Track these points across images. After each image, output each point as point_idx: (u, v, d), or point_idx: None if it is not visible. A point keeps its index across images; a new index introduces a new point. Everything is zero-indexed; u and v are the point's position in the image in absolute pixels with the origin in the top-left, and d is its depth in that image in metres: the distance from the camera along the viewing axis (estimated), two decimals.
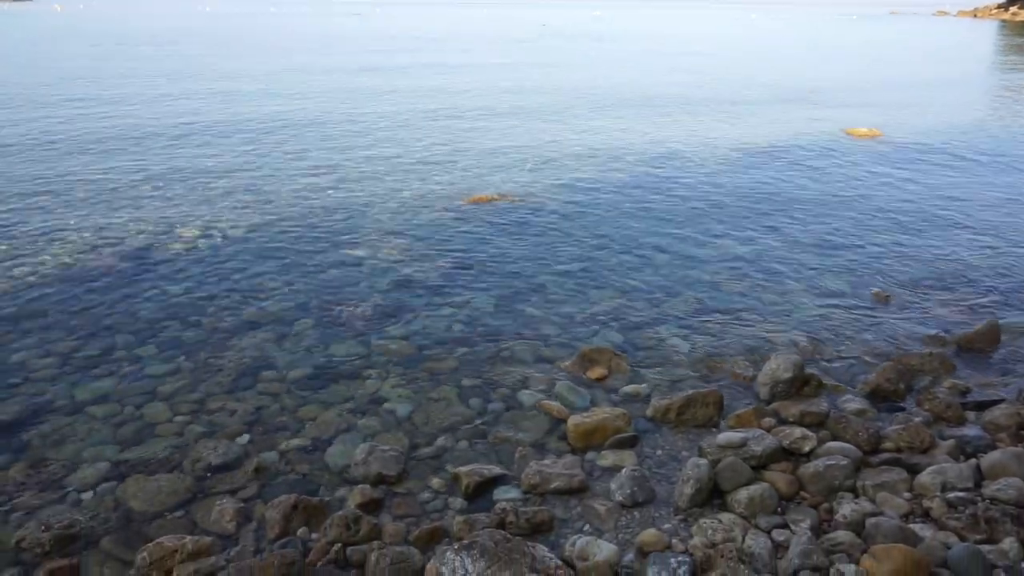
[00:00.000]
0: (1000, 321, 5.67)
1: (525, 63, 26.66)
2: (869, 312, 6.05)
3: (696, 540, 3.31)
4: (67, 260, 6.78)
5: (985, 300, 6.34)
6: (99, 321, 5.56)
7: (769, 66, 27.64)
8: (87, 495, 3.69)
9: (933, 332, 5.65)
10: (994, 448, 4.02)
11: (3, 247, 7.08)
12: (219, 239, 7.47)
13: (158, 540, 3.29)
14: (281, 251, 7.16)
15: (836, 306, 6.15)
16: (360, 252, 7.18)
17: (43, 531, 3.35)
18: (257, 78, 20.73)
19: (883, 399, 4.66)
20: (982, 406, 4.52)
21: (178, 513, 3.58)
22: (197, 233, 7.63)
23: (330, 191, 9.40)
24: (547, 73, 23.78)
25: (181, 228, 7.77)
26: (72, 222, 7.87)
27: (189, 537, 3.32)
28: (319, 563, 3.18)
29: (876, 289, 6.48)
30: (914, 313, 6.05)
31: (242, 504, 3.62)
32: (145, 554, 3.22)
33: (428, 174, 10.41)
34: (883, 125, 14.64)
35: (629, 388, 4.77)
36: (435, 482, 3.84)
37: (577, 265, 6.96)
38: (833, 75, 24.66)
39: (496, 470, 3.88)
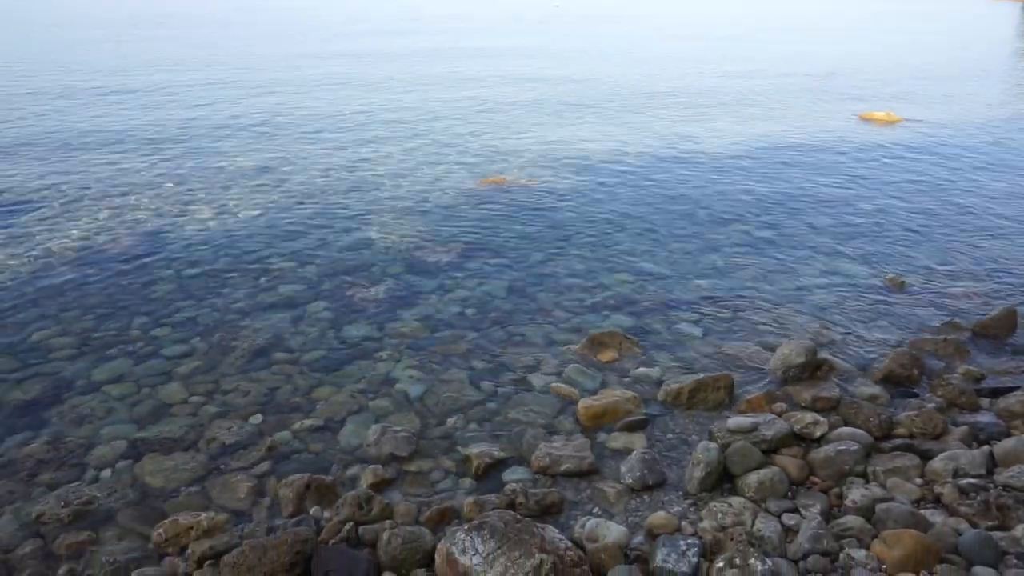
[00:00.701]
0: (1017, 308, 5.61)
1: (537, 45, 26.45)
2: (883, 297, 6.00)
3: (706, 523, 3.32)
4: (82, 241, 6.85)
5: (1002, 287, 6.28)
6: (115, 302, 5.62)
7: (783, 48, 27.27)
8: (105, 472, 3.75)
9: (948, 318, 5.60)
10: (1008, 435, 4.00)
11: (20, 228, 7.16)
12: (232, 221, 7.52)
13: (174, 517, 3.35)
14: (294, 233, 7.19)
15: (850, 291, 6.11)
16: (372, 234, 7.20)
17: (62, 506, 3.41)
18: (266, 62, 20.73)
19: (896, 384, 4.63)
20: (997, 393, 4.49)
21: (193, 490, 3.63)
22: (211, 214, 7.67)
23: (343, 173, 9.41)
24: (559, 56, 23.60)
25: (195, 209, 7.82)
26: (87, 203, 7.94)
27: (204, 514, 3.37)
28: (331, 541, 3.22)
29: (891, 275, 6.42)
30: (929, 299, 5.99)
31: (256, 483, 3.67)
32: (161, 530, 3.28)
33: (440, 156, 10.39)
34: (901, 110, 14.43)
35: (640, 371, 4.78)
36: (446, 463, 3.87)
37: (588, 249, 6.94)
38: (851, 58, 24.29)
39: (506, 452, 3.91)
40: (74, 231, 7.10)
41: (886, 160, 10.70)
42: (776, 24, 39.78)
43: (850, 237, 7.42)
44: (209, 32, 29.01)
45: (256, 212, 7.80)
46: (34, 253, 6.55)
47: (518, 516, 3.10)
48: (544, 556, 2.85)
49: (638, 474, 3.67)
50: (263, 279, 6.11)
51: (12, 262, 6.34)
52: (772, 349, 4.94)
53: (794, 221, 7.90)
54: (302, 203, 8.14)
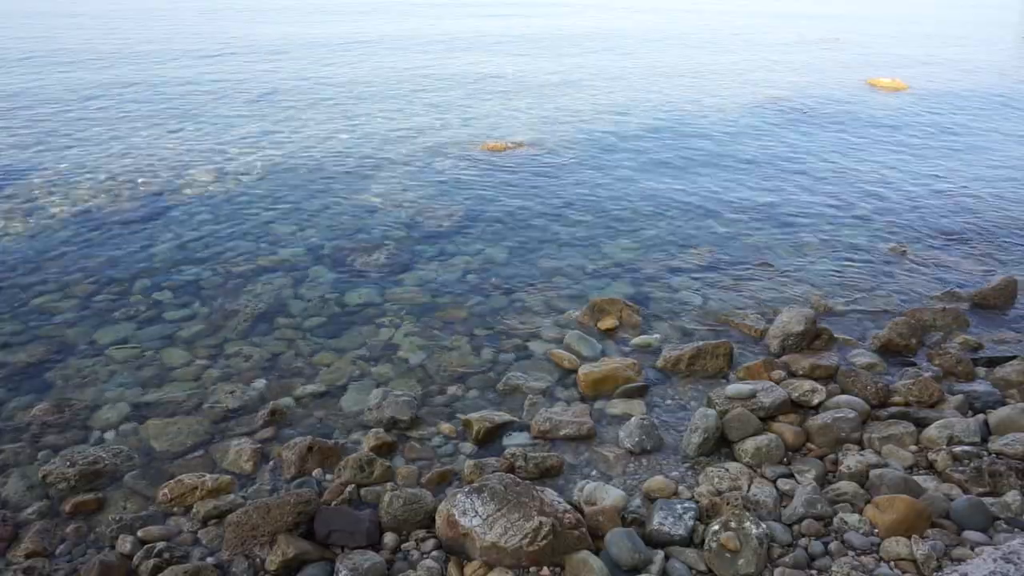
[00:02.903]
0: (1017, 278, 5.61)
1: (542, 11, 26.02)
2: (884, 266, 6.00)
3: (702, 488, 3.37)
4: (83, 204, 6.83)
5: (1003, 257, 6.27)
6: (116, 265, 5.63)
7: (791, 12, 26.82)
8: (109, 435, 3.80)
9: (948, 287, 5.61)
10: (1003, 404, 4.03)
11: (20, 191, 7.13)
12: (233, 185, 7.48)
13: (179, 477, 3.40)
14: (295, 197, 7.16)
15: (851, 260, 6.11)
16: (374, 199, 7.17)
17: (68, 467, 3.46)
18: (266, 26, 20.41)
19: (894, 353, 4.66)
20: (994, 362, 4.52)
21: (198, 453, 3.68)
22: (211, 178, 7.64)
23: (343, 138, 9.34)
24: (563, 23, 23.22)
25: (195, 173, 7.77)
26: (87, 166, 7.89)
27: (209, 475, 3.42)
28: (334, 502, 3.28)
29: (892, 243, 6.42)
30: (930, 268, 6.00)
31: (259, 445, 3.72)
32: (167, 490, 3.33)
33: (442, 122, 10.30)
34: (908, 77, 14.26)
35: (639, 339, 4.80)
36: (446, 428, 3.91)
37: (590, 215, 6.92)
38: (859, 23, 23.90)
39: (506, 416, 3.94)
40: (74, 194, 7.07)
41: (891, 127, 10.60)
42: None
43: (853, 205, 7.40)
44: None
45: (256, 176, 7.76)
46: (35, 216, 6.54)
47: (518, 479, 3.15)
48: (543, 518, 2.90)
49: (637, 439, 3.71)
50: (264, 243, 6.10)
51: (13, 225, 6.33)
52: (772, 317, 4.96)
53: (797, 188, 7.86)
54: (303, 168, 8.10)
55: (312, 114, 10.50)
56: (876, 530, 3.07)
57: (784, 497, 3.33)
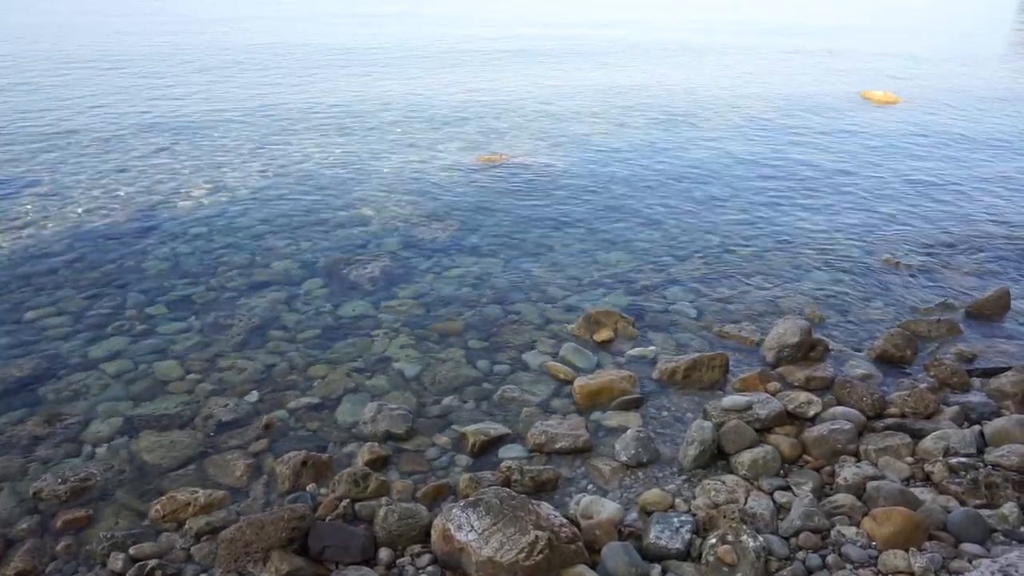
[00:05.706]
0: (1011, 289, 5.64)
1: (537, 23, 26.18)
2: (879, 277, 6.02)
3: (699, 501, 3.35)
4: (77, 219, 6.81)
5: (996, 267, 6.30)
6: (110, 279, 5.60)
7: (785, 26, 27.06)
8: (101, 449, 3.76)
9: (942, 298, 5.62)
10: (999, 415, 4.04)
11: (13, 206, 7.10)
12: (227, 198, 7.47)
13: (171, 493, 3.36)
14: (289, 210, 7.15)
15: (846, 271, 6.13)
16: (368, 211, 7.17)
17: (60, 483, 3.42)
18: (259, 41, 20.48)
19: (890, 364, 4.66)
20: (988, 373, 4.52)
21: (190, 467, 3.65)
22: (205, 192, 7.62)
23: (337, 150, 9.35)
24: (557, 34, 23.37)
25: (189, 187, 7.76)
26: (81, 181, 7.88)
27: (201, 490, 3.39)
28: (328, 517, 3.25)
29: (886, 255, 6.44)
30: (924, 279, 6.02)
31: (252, 460, 3.69)
32: (158, 506, 3.29)
33: (436, 134, 10.32)
34: (901, 89, 14.37)
35: (635, 350, 4.79)
36: (442, 440, 3.89)
37: (585, 227, 6.93)
38: (852, 35, 24.13)
39: (502, 429, 3.93)
40: (67, 209, 7.05)
41: (885, 140, 10.67)
42: (770, 3, 39.40)
43: (847, 216, 7.43)
44: (204, 9, 28.59)
45: (250, 190, 7.75)
46: (27, 231, 6.51)
47: (513, 493, 3.13)
48: (539, 532, 2.88)
49: (633, 452, 3.70)
50: (258, 256, 6.08)
51: (5, 240, 6.30)
52: (768, 329, 4.96)
53: (791, 200, 7.89)
54: (297, 180, 8.09)
55: (305, 127, 10.51)
56: (873, 543, 3.06)
57: (781, 510, 3.32)
